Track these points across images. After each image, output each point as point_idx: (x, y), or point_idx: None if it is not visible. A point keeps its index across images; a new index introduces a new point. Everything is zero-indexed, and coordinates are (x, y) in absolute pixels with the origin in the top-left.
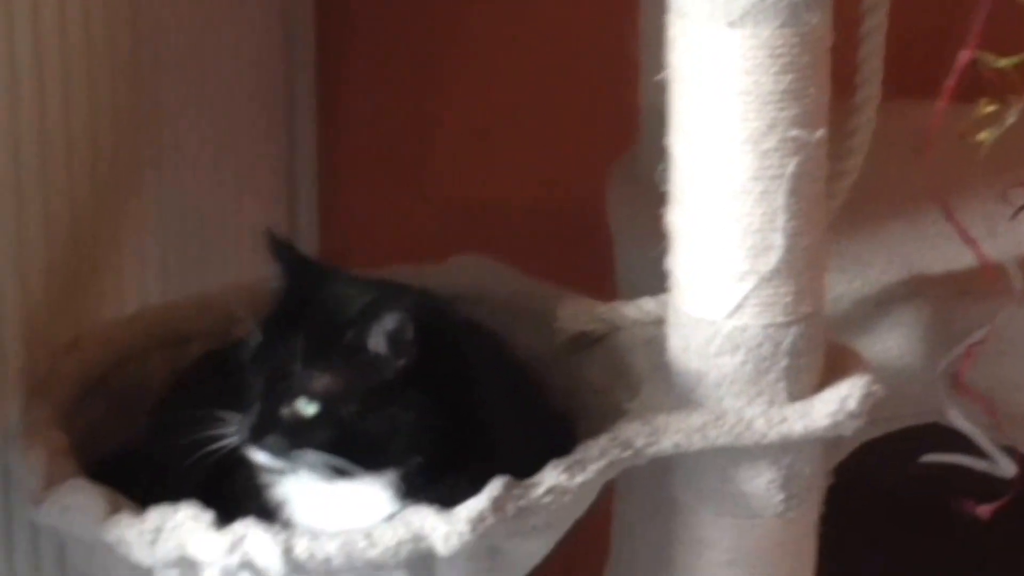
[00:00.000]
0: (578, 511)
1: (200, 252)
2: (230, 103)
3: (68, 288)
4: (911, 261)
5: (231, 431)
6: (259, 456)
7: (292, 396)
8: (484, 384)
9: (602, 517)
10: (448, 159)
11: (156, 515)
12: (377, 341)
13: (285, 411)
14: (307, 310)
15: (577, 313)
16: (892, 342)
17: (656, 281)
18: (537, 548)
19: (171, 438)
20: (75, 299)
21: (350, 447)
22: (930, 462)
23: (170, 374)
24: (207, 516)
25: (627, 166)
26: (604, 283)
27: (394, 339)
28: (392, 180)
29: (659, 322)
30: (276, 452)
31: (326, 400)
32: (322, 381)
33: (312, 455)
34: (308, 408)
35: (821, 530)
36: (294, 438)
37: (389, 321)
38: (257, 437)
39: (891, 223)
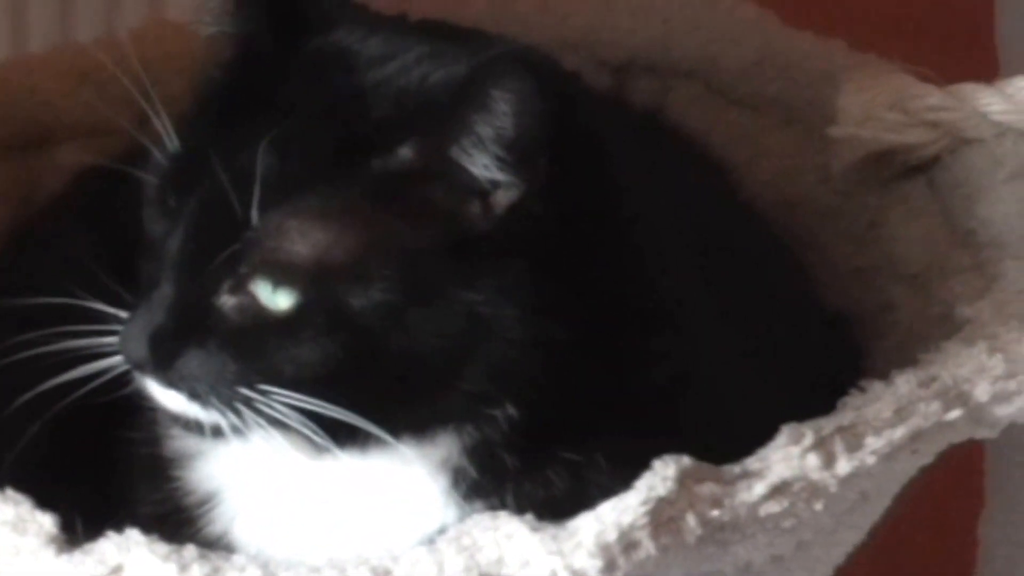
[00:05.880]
0: (857, 523)
1: None
2: None
3: None
4: None
5: (110, 343)
6: (166, 397)
7: (242, 270)
8: (663, 251)
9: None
10: None
11: None
12: (469, 150)
13: (225, 302)
14: (286, 88)
15: (873, 108)
16: None
17: None
18: None
19: None
20: None
21: (364, 384)
22: None
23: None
24: (47, 521)
25: None
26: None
27: (502, 145)
28: None
29: None
30: (203, 390)
31: (317, 279)
32: (311, 237)
33: (282, 400)
34: (275, 296)
35: None
36: (243, 361)
37: (498, 101)
38: (164, 358)
39: None
